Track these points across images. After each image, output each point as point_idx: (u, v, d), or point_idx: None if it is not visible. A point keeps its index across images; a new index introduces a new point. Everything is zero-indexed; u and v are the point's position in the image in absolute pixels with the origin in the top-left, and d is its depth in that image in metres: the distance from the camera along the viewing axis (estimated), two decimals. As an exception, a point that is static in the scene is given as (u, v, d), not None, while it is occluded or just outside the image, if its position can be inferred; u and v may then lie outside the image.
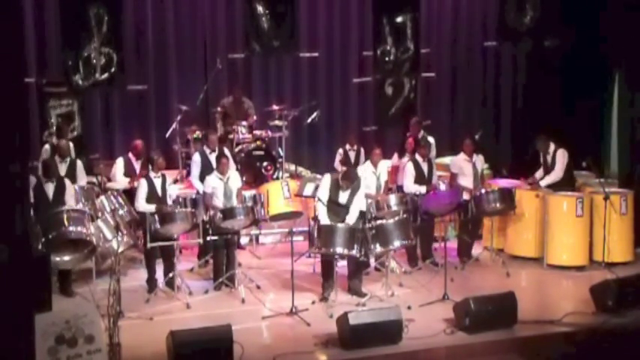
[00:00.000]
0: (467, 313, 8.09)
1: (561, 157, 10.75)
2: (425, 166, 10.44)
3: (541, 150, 10.86)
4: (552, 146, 10.81)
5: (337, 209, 9.13)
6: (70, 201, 9.19)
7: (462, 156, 10.72)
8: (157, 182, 9.49)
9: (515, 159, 14.08)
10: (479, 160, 10.71)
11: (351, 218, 9.15)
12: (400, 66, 14.56)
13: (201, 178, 10.08)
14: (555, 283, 10.10)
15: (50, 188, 9.09)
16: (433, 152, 11.56)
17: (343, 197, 9.14)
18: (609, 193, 10.33)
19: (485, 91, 15.03)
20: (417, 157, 10.53)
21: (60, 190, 9.16)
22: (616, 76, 12.97)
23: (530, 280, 10.30)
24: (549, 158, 10.81)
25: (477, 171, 10.61)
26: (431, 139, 11.56)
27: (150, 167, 9.65)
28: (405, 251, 10.25)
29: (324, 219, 8.98)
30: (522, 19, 14.74)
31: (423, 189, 10.26)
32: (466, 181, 10.55)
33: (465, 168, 10.62)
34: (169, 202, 9.57)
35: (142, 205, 9.37)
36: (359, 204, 9.26)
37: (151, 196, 9.40)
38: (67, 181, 9.35)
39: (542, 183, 10.77)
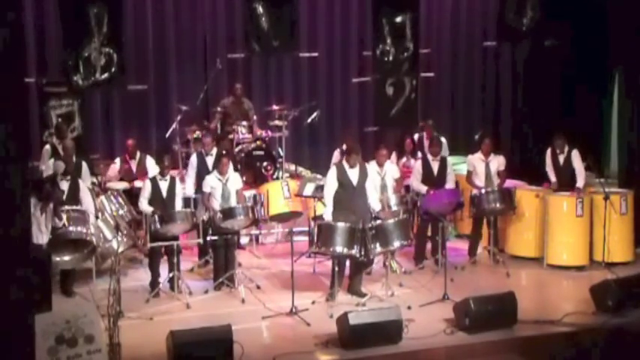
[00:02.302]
0: (467, 313, 8.09)
1: (579, 156, 10.73)
2: (435, 166, 10.45)
3: (559, 149, 10.78)
4: (567, 147, 10.80)
5: (351, 195, 8.98)
6: (87, 199, 9.19)
7: (478, 155, 10.82)
8: (163, 185, 9.51)
9: (515, 159, 14.06)
10: (495, 160, 10.75)
11: (375, 203, 9.16)
12: (399, 66, 14.55)
13: (199, 180, 10.09)
14: (555, 283, 10.11)
15: (64, 186, 9.11)
16: (446, 152, 11.59)
17: (354, 176, 9.02)
18: (609, 193, 10.33)
19: (485, 91, 15.02)
20: (428, 155, 10.58)
21: (74, 187, 9.17)
22: (616, 76, 12.96)
23: (530, 280, 10.31)
24: (562, 158, 10.78)
25: (490, 171, 10.66)
26: (443, 140, 11.50)
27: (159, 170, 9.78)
28: (414, 248, 10.34)
29: (328, 216, 8.92)
30: (522, 19, 14.73)
31: (424, 189, 10.28)
32: (478, 180, 10.66)
33: (477, 167, 10.72)
34: (178, 206, 9.51)
35: (144, 205, 9.41)
36: (372, 187, 9.23)
37: (154, 199, 9.42)
38: (80, 180, 9.37)
39: (579, 184, 10.64)
